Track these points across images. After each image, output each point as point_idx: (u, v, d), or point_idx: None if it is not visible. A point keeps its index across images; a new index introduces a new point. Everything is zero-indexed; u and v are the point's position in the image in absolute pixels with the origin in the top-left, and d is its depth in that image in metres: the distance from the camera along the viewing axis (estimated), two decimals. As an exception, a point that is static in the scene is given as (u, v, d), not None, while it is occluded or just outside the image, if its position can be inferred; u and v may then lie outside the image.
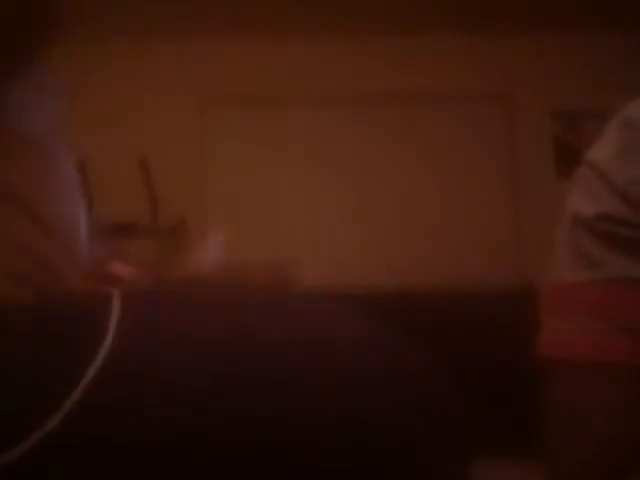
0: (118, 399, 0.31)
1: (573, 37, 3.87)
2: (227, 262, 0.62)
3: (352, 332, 0.37)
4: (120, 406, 0.31)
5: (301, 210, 3.88)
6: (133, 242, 3.53)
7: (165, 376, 0.31)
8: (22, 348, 0.33)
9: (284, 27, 3.82)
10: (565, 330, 0.69)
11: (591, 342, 0.66)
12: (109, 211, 3.64)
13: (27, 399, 0.31)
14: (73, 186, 0.46)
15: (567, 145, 3.92)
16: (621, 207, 0.66)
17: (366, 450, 0.33)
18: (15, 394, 0.31)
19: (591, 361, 0.67)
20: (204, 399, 0.31)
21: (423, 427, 0.36)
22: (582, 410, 0.68)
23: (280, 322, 0.36)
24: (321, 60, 3.93)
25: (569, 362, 0.68)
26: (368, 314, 0.39)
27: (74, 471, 0.30)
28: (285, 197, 3.89)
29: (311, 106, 3.93)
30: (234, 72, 3.92)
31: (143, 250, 3.52)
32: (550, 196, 3.70)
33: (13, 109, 0.41)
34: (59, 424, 0.30)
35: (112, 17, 3.67)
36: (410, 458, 0.34)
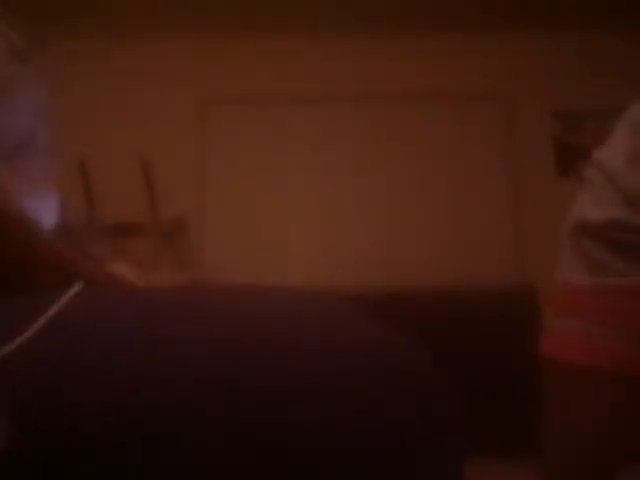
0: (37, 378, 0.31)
1: (573, 37, 3.87)
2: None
3: (352, 333, 0.37)
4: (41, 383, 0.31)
5: (301, 210, 3.88)
6: (133, 242, 3.53)
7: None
8: None
9: (284, 27, 3.82)
10: (567, 332, 0.69)
11: (591, 346, 0.66)
12: (109, 211, 3.64)
13: None
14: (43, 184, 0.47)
15: (567, 145, 3.92)
16: (629, 214, 0.66)
17: (366, 450, 0.33)
18: None
19: (590, 365, 0.67)
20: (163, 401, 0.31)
21: (423, 427, 0.36)
22: (578, 410, 0.69)
23: (279, 322, 0.36)
24: (321, 60, 3.93)
25: (568, 363, 0.69)
26: (368, 314, 0.39)
27: None
28: (285, 196, 3.89)
29: (311, 106, 3.93)
30: (234, 72, 3.92)
31: (143, 250, 3.52)
32: (550, 196, 3.72)
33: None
34: None
35: (112, 17, 3.67)
36: (410, 458, 0.34)
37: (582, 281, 0.70)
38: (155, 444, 0.30)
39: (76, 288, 0.37)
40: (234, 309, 0.37)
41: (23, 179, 0.45)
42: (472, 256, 3.76)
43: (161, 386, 0.31)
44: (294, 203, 3.88)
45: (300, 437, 0.32)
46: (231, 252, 3.78)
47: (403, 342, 0.39)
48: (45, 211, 0.47)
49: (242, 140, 3.92)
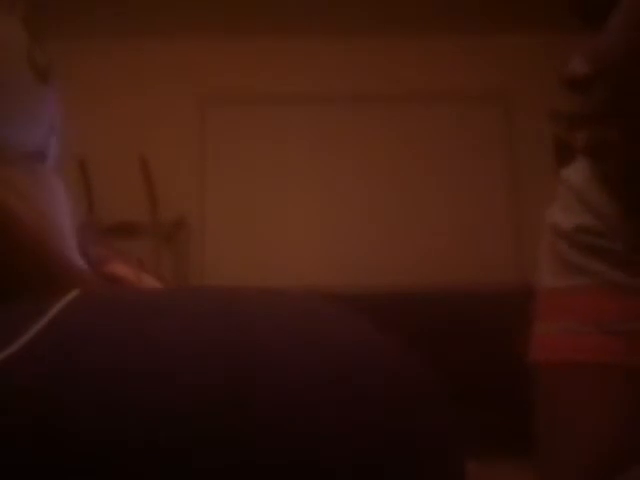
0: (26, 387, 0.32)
1: (573, 37, 3.87)
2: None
3: (349, 334, 0.38)
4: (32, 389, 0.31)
5: (301, 210, 3.88)
6: (133, 242, 3.53)
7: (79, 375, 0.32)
8: None
9: (284, 27, 3.82)
10: (550, 333, 0.71)
11: (574, 344, 0.69)
12: (109, 211, 3.64)
13: None
14: (59, 200, 0.47)
15: (567, 145, 3.92)
16: (595, 222, 0.73)
17: (365, 450, 0.33)
18: None
19: (574, 362, 0.69)
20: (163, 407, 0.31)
21: (421, 428, 0.36)
22: (565, 411, 0.70)
23: (278, 322, 0.36)
24: (321, 60, 3.93)
25: (554, 363, 0.70)
26: (367, 314, 0.39)
27: None
28: (285, 197, 3.90)
29: (311, 106, 3.93)
30: (234, 72, 3.92)
31: (143, 250, 3.52)
32: (550, 196, 3.72)
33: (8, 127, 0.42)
34: None
35: (112, 16, 3.67)
36: (409, 459, 0.34)
37: (559, 283, 0.75)
38: (156, 445, 0.30)
39: (77, 290, 0.37)
40: (236, 310, 0.37)
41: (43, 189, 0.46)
42: (471, 256, 3.76)
43: (162, 388, 0.31)
44: (294, 203, 3.88)
45: (299, 437, 0.32)
46: (231, 252, 3.79)
47: (399, 344, 0.39)
48: (67, 217, 0.48)
49: (242, 140, 3.92)
